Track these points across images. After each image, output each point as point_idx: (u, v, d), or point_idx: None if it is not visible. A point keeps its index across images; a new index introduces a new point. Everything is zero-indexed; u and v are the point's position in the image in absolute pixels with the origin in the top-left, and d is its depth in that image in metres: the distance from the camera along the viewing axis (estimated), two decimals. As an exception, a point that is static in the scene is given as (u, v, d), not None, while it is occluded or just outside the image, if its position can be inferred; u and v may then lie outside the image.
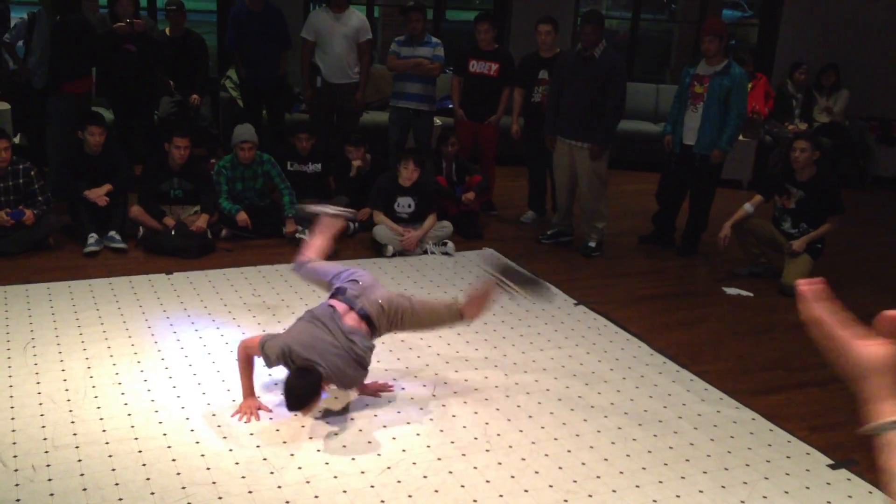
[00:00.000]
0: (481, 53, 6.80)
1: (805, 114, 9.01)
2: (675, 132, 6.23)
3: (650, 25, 15.12)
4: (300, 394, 3.31)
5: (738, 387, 4.23)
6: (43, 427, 3.40)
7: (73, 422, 3.46)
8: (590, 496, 3.20)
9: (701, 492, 3.28)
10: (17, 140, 6.99)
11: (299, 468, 3.24)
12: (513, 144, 7.14)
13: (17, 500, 2.93)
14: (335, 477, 3.20)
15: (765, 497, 3.28)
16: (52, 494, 2.98)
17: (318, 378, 3.32)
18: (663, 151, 6.41)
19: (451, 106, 7.34)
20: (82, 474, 3.11)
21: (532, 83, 6.67)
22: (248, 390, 3.63)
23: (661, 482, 3.33)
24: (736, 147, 6.47)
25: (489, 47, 6.79)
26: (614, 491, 3.25)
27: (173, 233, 5.66)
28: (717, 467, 3.47)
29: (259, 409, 3.60)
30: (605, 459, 3.47)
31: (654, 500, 3.20)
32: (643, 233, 6.66)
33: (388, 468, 3.28)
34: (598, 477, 3.33)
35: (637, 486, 3.28)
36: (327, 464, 3.28)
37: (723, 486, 3.33)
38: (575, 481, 3.29)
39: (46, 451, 3.23)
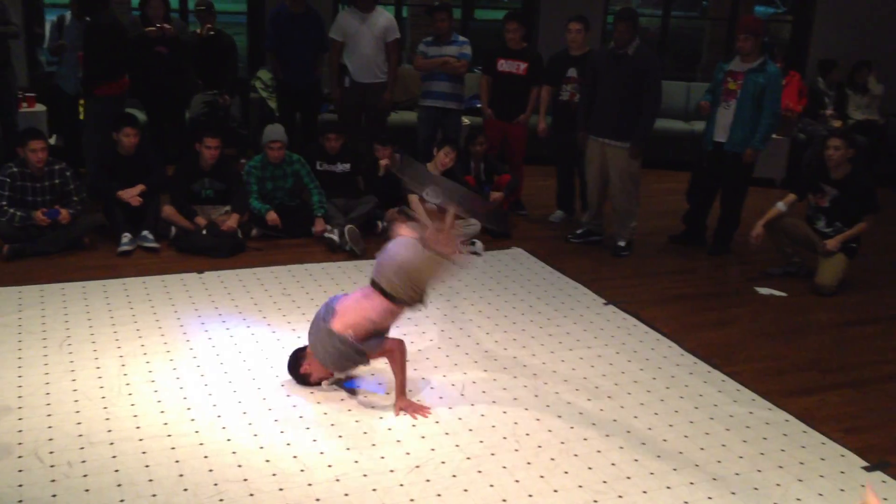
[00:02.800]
0: (510, 52, 6.78)
1: (838, 111, 8.89)
2: (707, 129, 6.18)
3: (681, 22, 14.99)
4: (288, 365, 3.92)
5: (770, 388, 4.18)
6: (78, 424, 3.45)
7: (107, 419, 3.51)
8: (620, 497, 3.18)
9: (733, 493, 3.25)
10: (52, 141, 7.10)
11: (329, 466, 3.25)
12: (541, 144, 7.13)
13: (54, 496, 2.98)
14: (365, 475, 3.21)
15: (798, 499, 3.24)
16: (87, 490, 3.02)
17: (295, 357, 3.90)
18: (694, 150, 6.36)
19: (479, 105, 7.33)
20: (117, 470, 3.15)
21: (561, 81, 6.65)
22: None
23: (692, 483, 3.30)
24: (769, 145, 6.40)
25: (518, 46, 6.78)
26: (645, 492, 3.23)
27: (204, 232, 5.71)
28: (750, 469, 3.43)
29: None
30: (636, 460, 3.45)
31: (686, 502, 3.18)
32: (673, 232, 6.61)
33: (417, 467, 3.29)
34: (629, 478, 3.31)
35: (668, 488, 3.26)
36: (357, 462, 3.29)
37: (755, 488, 3.30)
38: (605, 482, 3.27)
39: (82, 448, 3.28)
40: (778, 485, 3.33)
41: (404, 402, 3.72)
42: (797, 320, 5.16)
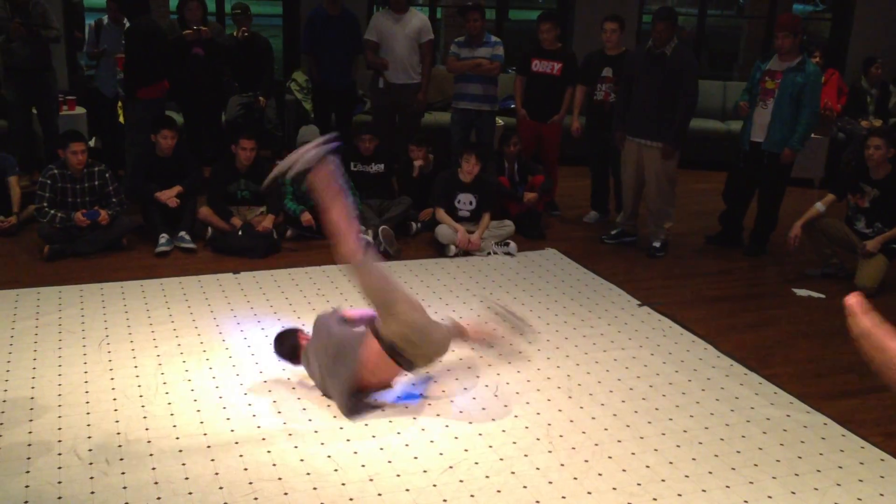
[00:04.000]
0: (544, 53, 6.76)
1: (880, 110, 8.74)
2: (744, 128, 6.11)
3: (717, 21, 14.84)
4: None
5: (809, 391, 4.12)
6: (116, 422, 3.51)
7: (145, 417, 3.56)
8: (654, 499, 3.15)
9: (770, 497, 3.21)
10: (91, 143, 7.23)
11: (363, 466, 3.27)
12: (575, 144, 7.09)
13: (92, 493, 3.03)
14: (398, 475, 3.22)
15: (837, 504, 3.20)
16: (125, 487, 3.07)
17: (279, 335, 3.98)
18: (730, 149, 6.29)
19: (513, 106, 7.32)
20: (154, 468, 3.19)
21: (596, 81, 6.61)
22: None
23: (728, 487, 3.27)
24: (807, 144, 6.31)
25: (552, 46, 6.75)
26: (680, 495, 3.20)
27: (240, 233, 5.77)
28: (787, 473, 3.39)
29: None
30: (671, 463, 3.42)
31: (721, 505, 3.14)
32: (710, 233, 6.54)
33: (451, 467, 3.29)
34: (663, 480, 3.28)
35: (703, 491, 3.22)
36: (390, 462, 3.30)
37: (793, 492, 3.25)
38: (639, 484, 3.25)
39: (120, 445, 3.33)
40: (816, 489, 3.28)
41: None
42: (836, 322, 5.08)
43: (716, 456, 3.48)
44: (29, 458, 3.22)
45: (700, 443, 3.57)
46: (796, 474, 3.38)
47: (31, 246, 5.64)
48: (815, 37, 11.52)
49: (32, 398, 3.67)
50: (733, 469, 3.39)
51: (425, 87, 7.15)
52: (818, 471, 3.41)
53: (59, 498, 2.99)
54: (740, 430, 3.71)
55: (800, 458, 3.50)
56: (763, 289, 5.68)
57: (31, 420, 3.49)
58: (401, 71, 7.01)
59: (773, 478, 3.34)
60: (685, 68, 5.80)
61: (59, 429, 3.44)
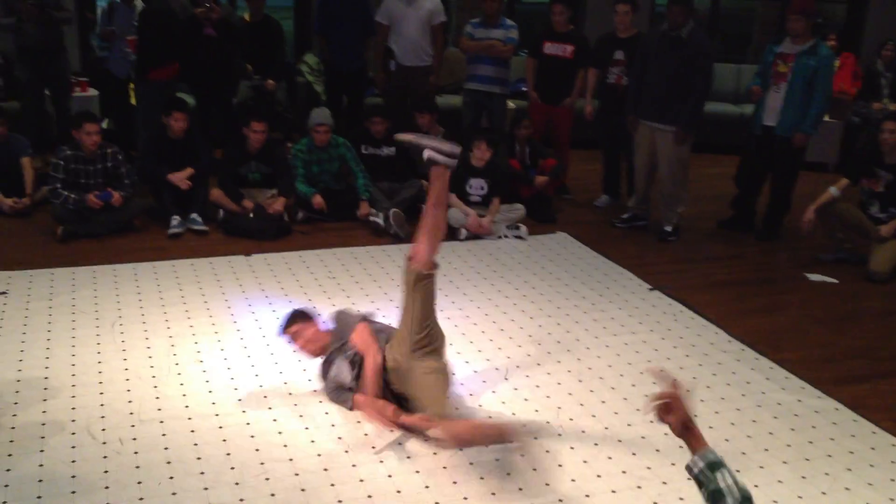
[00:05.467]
0: (556, 35, 6.72)
1: (895, 93, 8.65)
2: (756, 112, 6.06)
3: (731, 3, 14.70)
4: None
5: (820, 376, 4.11)
6: (129, 402, 3.53)
7: (157, 397, 3.59)
8: (664, 483, 3.16)
9: (780, 482, 3.21)
10: (104, 125, 7.23)
11: (372, 447, 3.28)
12: (587, 127, 7.06)
13: (105, 472, 3.06)
14: (408, 457, 3.23)
15: (847, 488, 3.19)
16: (137, 467, 3.10)
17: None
18: (743, 133, 6.25)
19: (524, 89, 7.29)
20: (166, 448, 3.22)
21: (608, 64, 6.57)
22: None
23: (738, 471, 3.24)
24: (821, 128, 6.27)
25: (564, 29, 6.71)
26: (689, 479, 3.19)
27: (251, 215, 5.78)
28: (798, 457, 3.38)
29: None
30: (680, 447, 3.38)
31: (731, 489, 3.14)
32: (722, 217, 6.52)
33: (460, 450, 3.30)
34: (673, 464, 3.28)
35: (713, 475, 3.22)
36: (400, 444, 3.31)
37: (803, 477, 3.25)
38: (649, 468, 3.25)
39: (133, 426, 3.36)
40: (826, 474, 3.28)
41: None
42: (848, 307, 5.06)
43: (726, 440, 3.48)
44: (43, 438, 3.25)
45: (710, 427, 3.57)
46: (807, 459, 3.38)
47: (44, 227, 5.67)
48: (831, 20, 11.40)
49: (46, 378, 3.70)
50: (744, 453, 3.39)
51: (437, 70, 7.12)
52: (829, 456, 3.41)
53: (73, 477, 3.02)
54: (751, 414, 3.70)
55: (811, 442, 3.50)
56: (775, 273, 5.66)
57: (45, 400, 3.52)
58: (412, 53, 6.99)
59: (784, 462, 3.34)
60: (701, 52, 5.75)
61: (73, 409, 3.47)
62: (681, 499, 3.07)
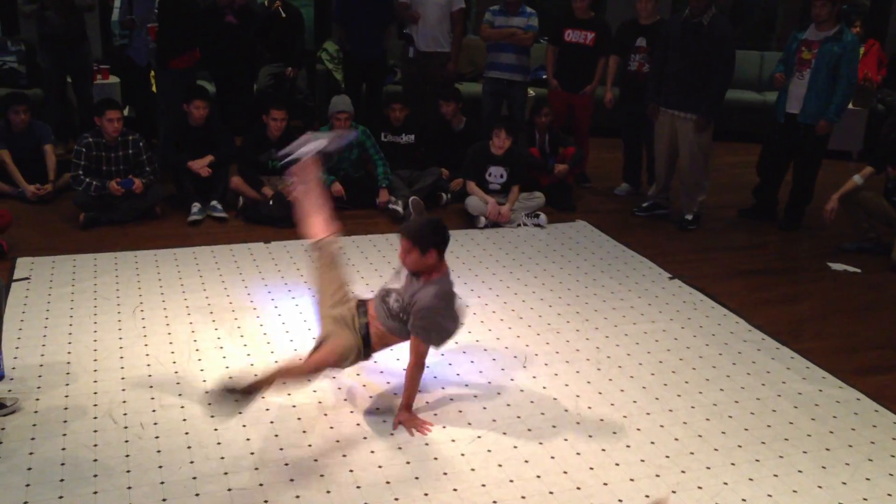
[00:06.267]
0: (577, 22, 6.67)
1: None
2: (779, 100, 6.00)
3: (755, -10, 14.52)
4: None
5: (842, 366, 4.07)
6: (150, 387, 3.57)
7: (178, 382, 3.62)
8: (683, 472, 3.15)
9: (800, 472, 3.19)
10: (125, 112, 7.28)
11: (391, 434, 3.29)
12: (608, 115, 7.02)
13: (127, 456, 3.09)
14: (426, 444, 3.24)
15: (868, 479, 3.17)
16: (158, 451, 3.13)
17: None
18: (766, 121, 6.19)
19: (545, 76, 7.25)
20: (187, 433, 3.25)
21: (629, 51, 6.52)
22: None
23: (757, 461, 3.25)
24: (845, 116, 6.18)
25: (585, 16, 6.66)
26: (708, 468, 3.19)
27: (271, 202, 5.80)
28: (818, 447, 3.36)
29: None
30: (699, 436, 3.41)
31: (751, 479, 3.13)
32: (743, 206, 6.46)
33: (479, 437, 3.31)
34: (692, 453, 3.27)
35: (732, 464, 3.21)
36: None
37: (823, 467, 3.23)
38: (668, 457, 3.24)
39: (154, 410, 3.39)
40: (847, 464, 3.26)
41: (404, 415, 3.37)
42: (871, 297, 5.01)
43: (746, 430, 3.46)
44: (65, 422, 3.29)
45: (730, 416, 3.56)
46: (827, 449, 3.35)
47: (66, 213, 5.72)
48: (856, 6, 11.24)
49: (69, 363, 3.74)
50: (763, 443, 3.37)
51: (455, 57, 7.10)
52: (850, 446, 3.38)
53: (95, 461, 3.05)
54: (771, 404, 3.68)
55: (831, 432, 3.47)
56: (797, 263, 5.61)
57: (67, 384, 3.56)
58: (431, 39, 6.97)
59: (804, 452, 3.32)
60: (722, 39, 5.69)
61: (95, 393, 3.50)
62: (699, 487, 3.06)
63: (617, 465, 3.18)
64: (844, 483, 3.14)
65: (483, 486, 3.01)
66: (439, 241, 3.34)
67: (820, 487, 3.10)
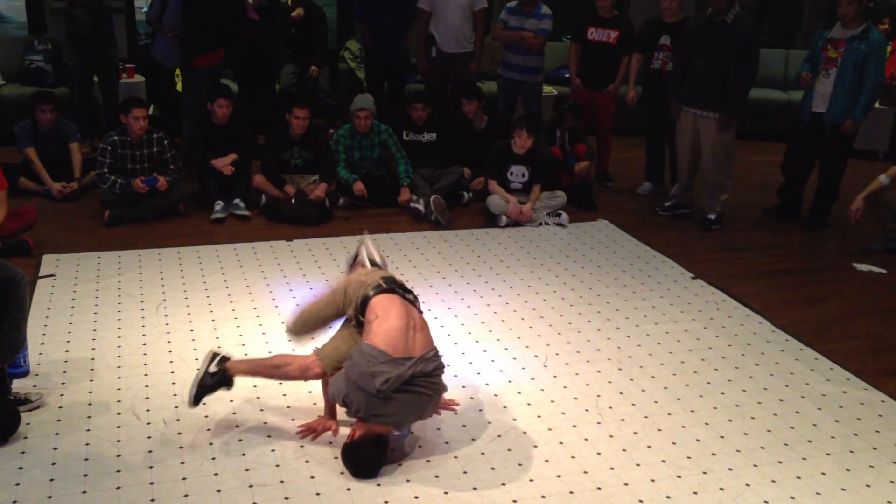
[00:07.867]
0: (600, 20, 6.65)
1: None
2: (804, 99, 5.94)
3: (780, -13, 14.38)
4: None
5: (867, 367, 4.03)
6: (173, 384, 3.60)
7: (200, 379, 3.64)
8: (704, 473, 3.13)
9: (823, 474, 3.16)
10: (150, 111, 7.33)
11: (411, 432, 3.30)
12: (631, 114, 6.98)
13: (150, 451, 3.12)
14: (446, 443, 3.25)
15: (892, 482, 3.13)
16: (181, 447, 3.15)
17: None
18: (791, 120, 6.13)
19: (567, 75, 7.22)
20: (208, 429, 3.27)
21: (652, 49, 6.48)
22: None
23: (780, 462, 3.22)
24: (871, 115, 6.11)
25: (609, 14, 6.63)
26: (730, 469, 3.16)
27: (293, 201, 5.83)
28: (842, 449, 3.33)
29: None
30: (721, 437, 3.38)
31: (773, 480, 3.10)
32: (767, 205, 6.41)
33: (499, 436, 3.30)
34: (714, 454, 3.25)
35: (755, 466, 3.19)
36: (438, 429, 3.33)
37: (847, 469, 3.20)
38: (689, 457, 3.22)
39: (176, 407, 3.42)
40: (871, 466, 3.22)
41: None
42: (897, 298, 4.95)
43: (768, 431, 3.43)
44: (90, 417, 3.32)
45: (753, 417, 3.53)
46: (851, 451, 3.32)
47: (92, 211, 5.78)
48: (883, 4, 11.10)
49: (93, 359, 3.78)
50: (786, 444, 3.34)
51: (478, 57, 7.09)
52: (874, 448, 3.34)
53: (118, 455, 3.08)
54: (794, 405, 3.65)
55: (855, 434, 3.44)
56: (822, 263, 5.55)
57: (91, 380, 3.60)
58: (453, 40, 6.96)
59: (828, 454, 3.29)
60: (746, 37, 5.64)
61: (119, 389, 3.54)
62: (721, 489, 3.04)
63: (638, 465, 3.16)
64: (868, 486, 3.10)
65: (503, 485, 3.01)
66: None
67: (843, 490, 3.07)
